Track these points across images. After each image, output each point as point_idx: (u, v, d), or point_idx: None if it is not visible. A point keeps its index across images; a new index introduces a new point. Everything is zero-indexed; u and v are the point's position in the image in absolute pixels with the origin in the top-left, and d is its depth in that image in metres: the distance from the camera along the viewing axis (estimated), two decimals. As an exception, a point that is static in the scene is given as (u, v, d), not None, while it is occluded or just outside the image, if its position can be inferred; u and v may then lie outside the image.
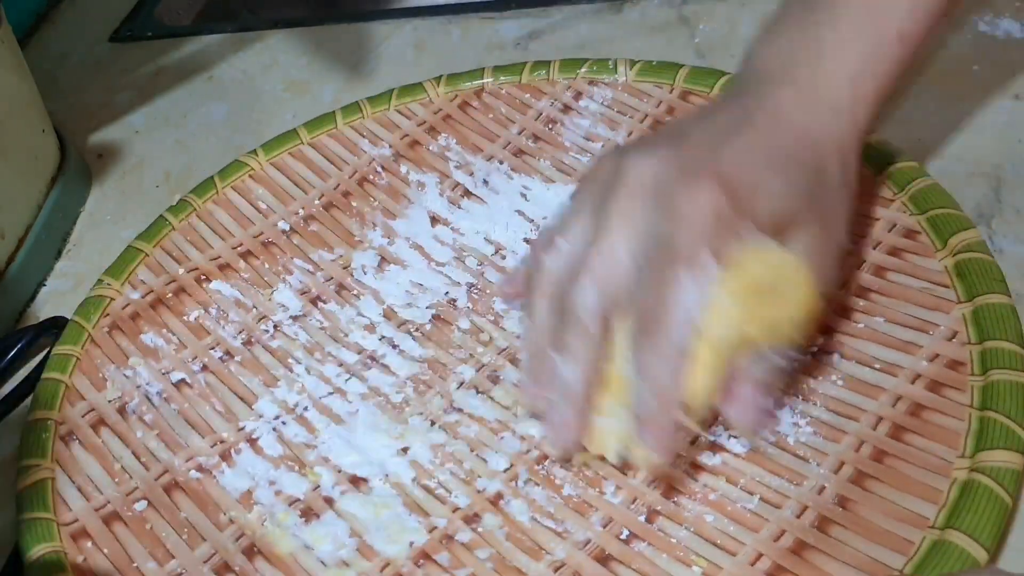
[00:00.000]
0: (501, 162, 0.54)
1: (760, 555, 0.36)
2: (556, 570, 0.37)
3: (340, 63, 0.67)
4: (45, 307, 0.56)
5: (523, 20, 0.67)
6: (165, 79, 0.70)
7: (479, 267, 0.49)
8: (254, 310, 0.50)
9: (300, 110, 0.64)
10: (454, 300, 0.48)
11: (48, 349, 0.50)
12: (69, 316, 0.52)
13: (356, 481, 0.42)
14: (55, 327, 0.51)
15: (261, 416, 0.45)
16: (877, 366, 0.40)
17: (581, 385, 0.37)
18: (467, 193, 0.53)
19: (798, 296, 0.36)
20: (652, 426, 0.35)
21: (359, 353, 0.47)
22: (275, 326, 0.49)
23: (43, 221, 0.57)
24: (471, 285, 0.49)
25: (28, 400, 0.49)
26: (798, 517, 0.37)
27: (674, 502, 0.38)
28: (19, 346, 0.51)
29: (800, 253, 0.36)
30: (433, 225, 0.52)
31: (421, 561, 0.39)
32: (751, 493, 0.38)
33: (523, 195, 0.52)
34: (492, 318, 0.47)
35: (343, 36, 0.70)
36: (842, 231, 0.39)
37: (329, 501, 0.41)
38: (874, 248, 0.44)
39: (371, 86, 0.64)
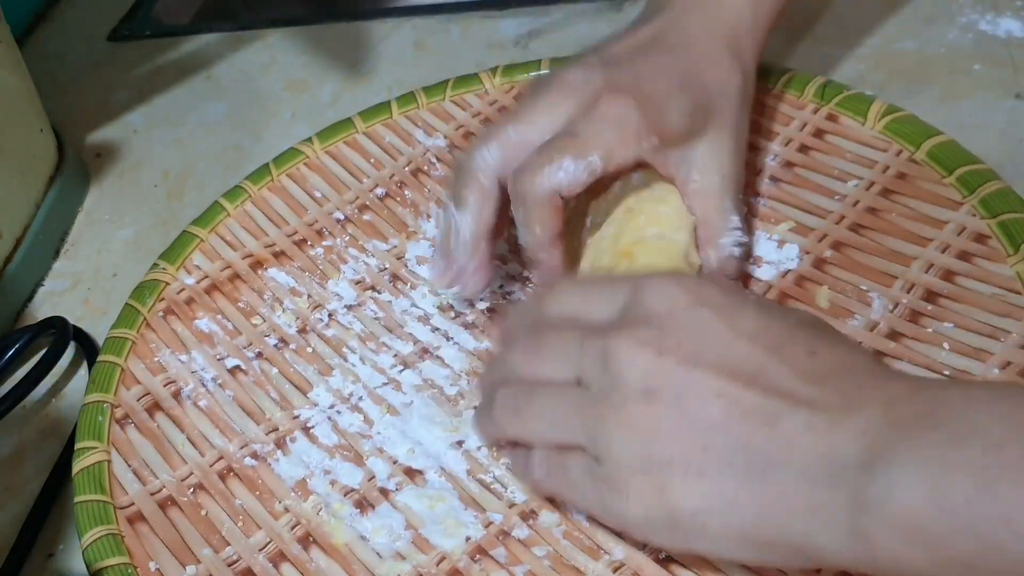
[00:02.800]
0: (558, 155, 0.53)
1: (825, 562, 0.35)
2: (616, 570, 0.37)
3: (339, 62, 0.67)
4: (43, 307, 0.56)
5: (523, 19, 0.66)
6: (163, 78, 0.70)
7: (535, 261, 0.49)
8: (309, 298, 0.49)
9: (299, 109, 0.64)
10: (509, 294, 0.48)
11: (45, 350, 0.50)
12: (67, 316, 0.52)
13: (411, 473, 0.42)
14: (53, 327, 0.51)
15: (316, 405, 0.45)
16: (946, 372, 0.40)
17: (471, 231, 0.42)
18: (523, 186, 0.53)
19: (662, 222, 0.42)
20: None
21: (414, 344, 0.47)
22: (330, 315, 0.48)
23: (41, 221, 0.57)
24: (526, 279, 0.48)
25: (27, 400, 0.49)
26: (864, 524, 0.36)
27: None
28: (17, 346, 0.51)
29: (711, 162, 0.42)
30: (488, 217, 0.52)
31: (477, 556, 0.38)
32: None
33: (580, 189, 0.52)
34: (549, 313, 0.46)
35: (342, 35, 0.69)
36: (745, 134, 0.45)
37: (384, 492, 0.41)
38: (943, 252, 0.44)
39: (371, 85, 0.64)
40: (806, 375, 0.31)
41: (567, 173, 0.40)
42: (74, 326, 0.52)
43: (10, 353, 0.51)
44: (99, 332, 0.52)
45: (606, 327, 0.34)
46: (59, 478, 0.46)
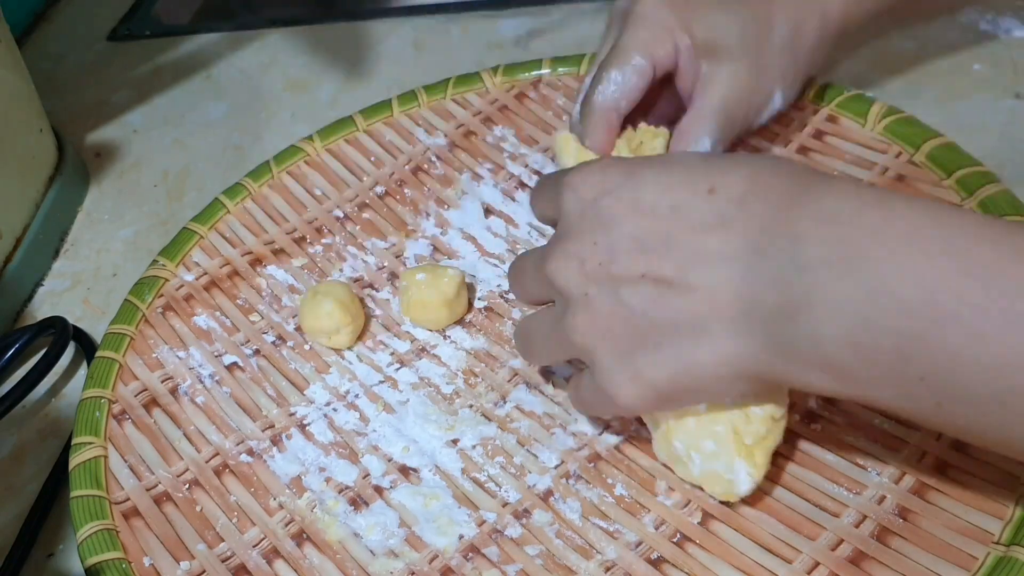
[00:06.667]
0: (557, 155, 0.53)
1: (817, 564, 0.35)
2: (607, 570, 0.37)
3: (339, 62, 0.67)
4: (43, 307, 0.56)
5: (523, 19, 0.66)
6: (163, 78, 0.70)
7: (533, 260, 0.49)
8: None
9: (299, 109, 0.64)
10: (506, 292, 0.48)
11: (44, 350, 0.50)
12: (67, 316, 0.52)
13: (406, 471, 0.42)
14: (53, 327, 0.51)
15: (312, 402, 0.45)
16: (942, 375, 0.39)
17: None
18: (521, 185, 0.53)
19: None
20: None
21: (411, 343, 0.47)
22: (327, 313, 0.49)
23: (41, 220, 0.58)
24: (524, 278, 0.48)
25: (27, 400, 0.49)
26: (857, 527, 0.36)
27: (729, 506, 0.38)
28: (17, 346, 0.51)
29: (718, 83, 0.43)
30: (487, 216, 0.52)
31: (470, 555, 0.38)
32: (808, 500, 0.37)
33: (579, 189, 0.52)
34: (545, 312, 0.46)
35: (342, 35, 0.70)
36: (772, 86, 0.45)
37: (379, 490, 0.41)
38: (940, 254, 0.43)
39: (370, 85, 0.65)
40: (712, 221, 0.32)
41: (616, 85, 0.43)
42: (74, 326, 0.52)
43: (10, 353, 0.51)
44: (99, 332, 0.53)
45: (549, 245, 0.36)
46: (59, 478, 0.46)
